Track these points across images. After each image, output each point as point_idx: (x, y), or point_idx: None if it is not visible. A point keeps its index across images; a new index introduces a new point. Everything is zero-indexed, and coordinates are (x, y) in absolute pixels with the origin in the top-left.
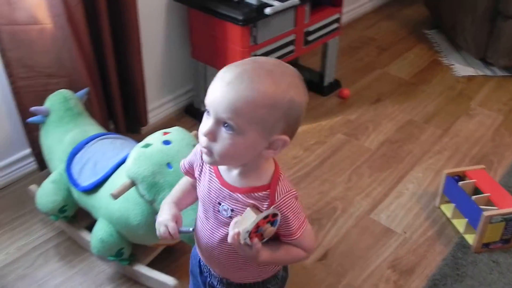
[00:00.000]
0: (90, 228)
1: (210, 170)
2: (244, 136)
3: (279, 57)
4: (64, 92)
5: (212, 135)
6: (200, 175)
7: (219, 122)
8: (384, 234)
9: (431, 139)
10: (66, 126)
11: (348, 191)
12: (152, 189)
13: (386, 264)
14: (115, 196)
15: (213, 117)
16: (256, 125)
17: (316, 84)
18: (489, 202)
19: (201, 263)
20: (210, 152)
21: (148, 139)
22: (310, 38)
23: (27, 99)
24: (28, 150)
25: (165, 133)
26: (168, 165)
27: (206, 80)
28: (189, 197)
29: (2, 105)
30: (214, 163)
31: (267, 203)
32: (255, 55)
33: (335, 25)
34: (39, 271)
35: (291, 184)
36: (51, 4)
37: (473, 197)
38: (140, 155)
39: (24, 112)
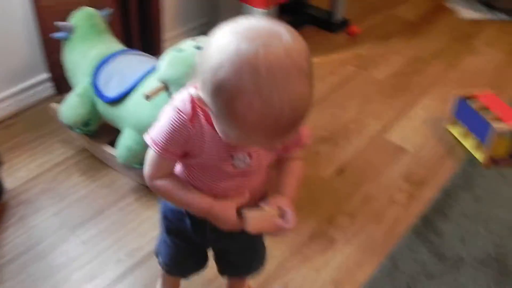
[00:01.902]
0: (111, 144)
1: (210, 130)
2: None
3: None
4: (88, 9)
5: None
6: (194, 145)
7: None
8: (397, 152)
9: (438, 73)
10: (90, 42)
11: (361, 114)
12: None
13: (400, 177)
14: (148, 97)
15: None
16: None
17: (325, 22)
18: (498, 120)
19: (195, 220)
20: None
21: (180, 45)
22: None
23: (49, 19)
24: (45, 75)
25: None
26: None
27: (219, 13)
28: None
29: (23, 28)
30: None
31: None
32: None
33: None
34: (62, 185)
35: None
36: None
37: (482, 112)
38: (174, 58)
39: (45, 32)
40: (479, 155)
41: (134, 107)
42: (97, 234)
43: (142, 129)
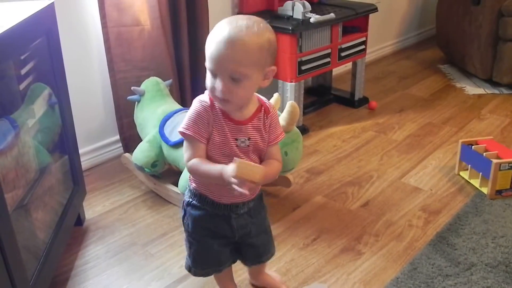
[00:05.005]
0: (174, 184)
1: (222, 118)
2: (250, 79)
3: (318, 66)
4: (156, 78)
5: (229, 90)
6: (213, 129)
7: (228, 78)
8: (413, 191)
9: (448, 133)
10: (157, 103)
11: (381, 165)
12: None
13: (417, 208)
14: None
15: (222, 77)
16: (254, 67)
17: (348, 100)
18: (498, 158)
19: (231, 215)
20: (228, 101)
21: None
22: (343, 54)
23: (121, 89)
24: (117, 137)
25: None
26: None
27: None
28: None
29: (101, 96)
30: (233, 107)
31: (266, 116)
32: (301, 61)
33: (362, 47)
34: (132, 216)
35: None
36: (151, 9)
37: (484, 153)
38: None
39: (117, 101)
40: (485, 190)
41: None
42: (163, 249)
43: None
